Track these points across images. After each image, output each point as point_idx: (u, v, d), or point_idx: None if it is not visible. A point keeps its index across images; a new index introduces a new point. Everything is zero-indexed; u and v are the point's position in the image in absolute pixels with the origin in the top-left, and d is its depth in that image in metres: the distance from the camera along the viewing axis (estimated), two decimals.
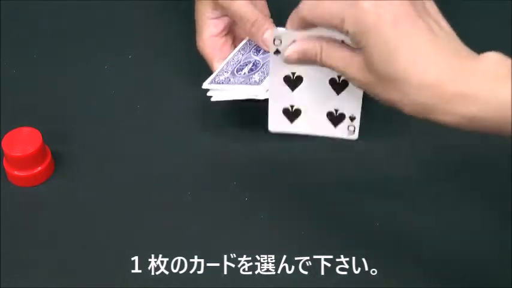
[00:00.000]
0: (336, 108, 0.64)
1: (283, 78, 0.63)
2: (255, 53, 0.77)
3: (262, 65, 0.74)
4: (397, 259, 0.67)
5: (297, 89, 0.64)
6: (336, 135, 0.65)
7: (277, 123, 0.66)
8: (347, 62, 0.57)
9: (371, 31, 0.53)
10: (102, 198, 0.72)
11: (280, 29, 0.61)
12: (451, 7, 0.91)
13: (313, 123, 0.65)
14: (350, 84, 0.62)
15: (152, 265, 0.67)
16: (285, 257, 0.67)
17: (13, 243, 0.68)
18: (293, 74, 0.63)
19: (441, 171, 0.74)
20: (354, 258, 0.67)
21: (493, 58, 0.53)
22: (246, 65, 0.75)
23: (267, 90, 0.66)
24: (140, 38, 0.86)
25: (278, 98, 0.64)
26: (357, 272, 0.66)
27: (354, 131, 0.65)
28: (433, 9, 0.58)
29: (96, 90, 0.81)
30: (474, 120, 0.52)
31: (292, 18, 0.59)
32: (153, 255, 0.67)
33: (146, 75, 0.82)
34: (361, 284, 0.66)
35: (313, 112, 0.64)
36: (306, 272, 0.66)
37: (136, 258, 0.67)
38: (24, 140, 0.71)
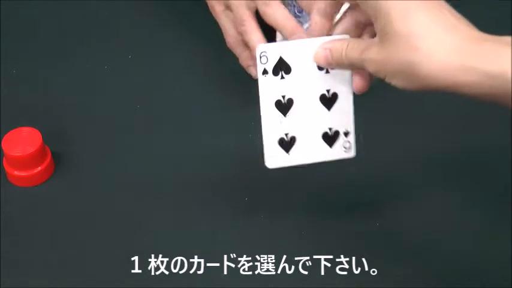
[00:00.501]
0: (329, 126, 0.63)
1: (275, 103, 0.62)
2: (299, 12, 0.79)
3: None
4: (397, 259, 0.67)
5: (289, 113, 0.63)
6: (333, 157, 0.64)
7: (273, 157, 0.64)
8: (365, 48, 0.57)
9: None
10: (102, 198, 0.72)
11: (266, 44, 0.62)
12: (451, 7, 0.91)
13: (309, 150, 0.64)
14: (339, 98, 0.63)
15: (152, 265, 0.67)
16: (285, 257, 0.67)
17: (13, 243, 0.68)
18: (283, 97, 0.62)
19: (441, 171, 0.74)
20: (354, 258, 0.67)
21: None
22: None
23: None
24: (140, 38, 0.86)
25: (272, 128, 0.63)
26: (357, 272, 0.66)
27: (350, 147, 0.64)
28: None
29: (96, 90, 0.81)
30: (495, 80, 0.51)
31: None
32: (153, 255, 0.67)
33: (146, 75, 0.82)
34: (361, 284, 0.66)
35: (309, 136, 0.63)
36: (306, 272, 0.66)
37: (136, 258, 0.67)
38: (24, 140, 0.71)
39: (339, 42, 0.60)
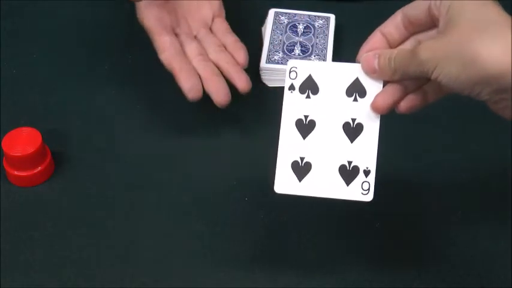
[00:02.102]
0: (349, 160, 0.59)
1: (296, 122, 0.60)
2: (294, 34, 0.83)
3: (313, 46, 0.81)
4: (397, 259, 0.68)
5: (308, 137, 0.60)
6: (347, 196, 0.59)
7: (284, 181, 0.60)
8: (418, 43, 0.58)
9: None
10: (102, 198, 0.72)
11: (297, 60, 0.61)
12: None
13: (323, 182, 0.60)
14: (364, 131, 0.60)
15: (152, 265, 0.67)
16: (284, 256, 0.67)
17: (13, 243, 0.68)
18: (306, 117, 0.60)
19: (441, 171, 0.74)
20: (353, 258, 0.67)
21: None
22: (294, 45, 0.82)
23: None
24: (140, 39, 0.86)
25: (288, 147, 0.60)
26: (356, 273, 0.66)
27: (369, 189, 0.59)
28: None
29: (96, 90, 0.81)
30: None
31: (392, 17, 0.61)
32: (153, 255, 0.67)
33: (146, 75, 0.82)
34: (361, 285, 0.66)
35: (325, 166, 0.59)
36: (305, 272, 0.66)
37: (136, 258, 0.67)
38: (24, 140, 0.71)
39: (388, 49, 0.59)
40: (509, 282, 0.65)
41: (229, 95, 0.73)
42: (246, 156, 0.75)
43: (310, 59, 0.81)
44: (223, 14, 0.80)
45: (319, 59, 0.81)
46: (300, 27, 0.85)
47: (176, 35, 0.77)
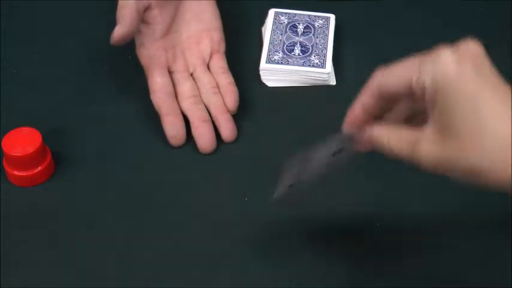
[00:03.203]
0: None
1: None
2: (294, 34, 0.84)
3: (313, 46, 0.82)
4: (397, 259, 0.68)
5: None
6: None
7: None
8: (416, 140, 0.53)
9: (453, 84, 0.50)
10: (102, 198, 0.72)
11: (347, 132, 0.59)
12: (451, 7, 0.92)
13: None
14: None
15: (152, 265, 0.67)
16: (284, 256, 0.67)
17: (13, 243, 0.68)
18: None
19: None
20: (353, 257, 0.67)
21: None
22: (294, 45, 0.82)
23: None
24: None
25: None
26: (356, 273, 0.66)
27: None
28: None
29: (96, 90, 0.81)
30: None
31: (367, 88, 0.56)
32: (153, 255, 0.67)
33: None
34: (362, 284, 0.66)
35: None
36: (305, 271, 0.66)
37: (136, 258, 0.67)
38: (24, 140, 0.71)
39: (380, 129, 0.56)
40: (509, 282, 0.65)
41: (215, 142, 0.75)
42: (246, 156, 0.75)
43: (310, 59, 0.81)
44: (223, 49, 0.81)
45: (319, 59, 0.81)
46: (300, 27, 0.85)
47: (171, 72, 0.78)
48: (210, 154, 0.75)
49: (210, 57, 0.80)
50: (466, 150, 0.50)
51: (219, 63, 0.80)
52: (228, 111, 0.77)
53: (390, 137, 0.55)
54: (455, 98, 0.50)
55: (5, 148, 0.70)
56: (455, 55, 0.51)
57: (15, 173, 0.72)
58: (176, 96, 0.77)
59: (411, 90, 0.52)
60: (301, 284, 0.66)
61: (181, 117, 0.76)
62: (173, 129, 0.75)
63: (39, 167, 0.72)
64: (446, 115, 0.50)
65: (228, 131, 0.76)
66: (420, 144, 0.53)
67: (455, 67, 0.50)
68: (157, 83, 0.76)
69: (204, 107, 0.77)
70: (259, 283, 0.65)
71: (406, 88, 0.53)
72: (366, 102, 0.56)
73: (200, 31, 0.80)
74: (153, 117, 0.77)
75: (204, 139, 0.74)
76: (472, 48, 0.51)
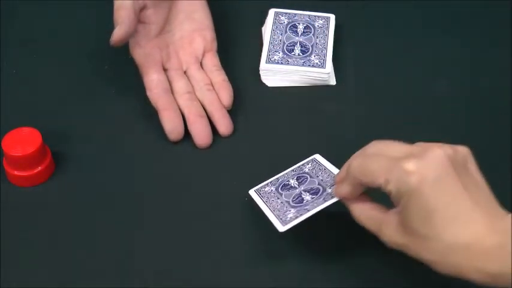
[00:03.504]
0: None
1: None
2: (294, 34, 0.84)
3: (313, 46, 0.82)
4: (397, 259, 0.67)
5: None
6: None
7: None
8: (382, 222, 0.59)
9: (413, 193, 0.55)
10: (102, 198, 0.72)
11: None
12: (451, 7, 0.92)
13: None
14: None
15: (152, 265, 0.67)
16: (284, 256, 0.67)
17: (13, 243, 0.68)
18: None
19: None
20: (354, 257, 0.67)
21: None
22: (294, 45, 0.82)
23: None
24: None
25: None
26: (356, 273, 0.66)
27: None
28: (473, 166, 0.58)
29: (96, 90, 0.81)
30: (499, 277, 0.53)
31: (342, 171, 0.63)
32: (152, 255, 0.67)
33: None
34: (363, 284, 0.66)
35: None
36: (305, 271, 0.66)
37: (136, 258, 0.67)
38: (24, 140, 0.71)
39: (354, 206, 0.62)
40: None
41: (211, 137, 0.76)
42: (246, 156, 0.75)
43: (310, 59, 0.81)
44: (215, 47, 0.81)
45: (319, 59, 0.81)
46: (300, 27, 0.85)
47: (166, 70, 0.79)
48: (209, 154, 0.75)
49: (203, 55, 0.81)
50: (421, 248, 0.56)
51: (212, 61, 0.81)
52: (224, 107, 0.77)
53: (362, 213, 0.62)
54: (415, 205, 0.55)
55: (5, 148, 0.71)
56: (420, 164, 0.55)
57: (15, 173, 0.72)
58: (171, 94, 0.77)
59: (381, 188, 0.58)
60: (301, 284, 0.66)
61: (178, 112, 0.76)
62: (171, 124, 0.75)
63: (39, 167, 0.72)
64: (406, 216, 0.56)
65: (224, 126, 0.76)
66: (386, 227, 0.59)
67: (416, 179, 0.55)
68: (154, 80, 0.77)
69: (200, 103, 0.77)
70: (259, 283, 0.65)
71: (377, 186, 0.58)
72: (345, 184, 0.62)
73: (193, 31, 0.81)
74: (153, 117, 0.77)
75: (201, 134, 0.75)
76: (437, 156, 0.56)
